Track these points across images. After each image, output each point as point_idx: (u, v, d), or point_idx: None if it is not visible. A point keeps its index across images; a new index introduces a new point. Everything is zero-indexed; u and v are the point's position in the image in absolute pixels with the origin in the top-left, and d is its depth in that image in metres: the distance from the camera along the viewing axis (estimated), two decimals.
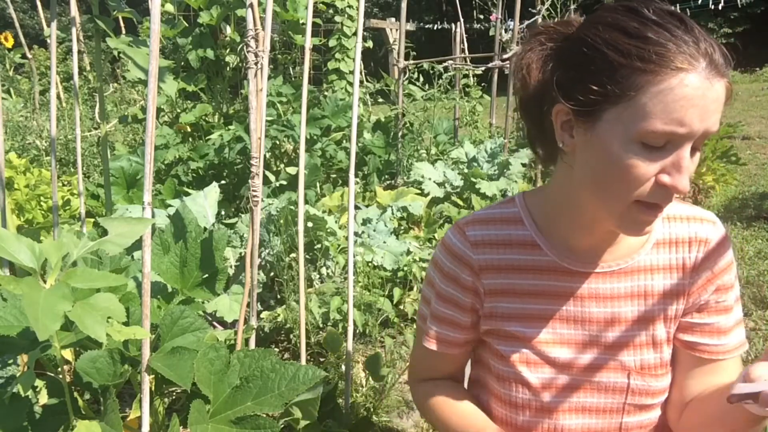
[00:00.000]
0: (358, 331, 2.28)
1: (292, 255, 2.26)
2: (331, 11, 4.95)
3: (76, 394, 1.28)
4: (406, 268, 2.55)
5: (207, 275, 1.59)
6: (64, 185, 3.39)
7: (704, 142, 0.74)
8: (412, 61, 4.31)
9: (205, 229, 2.21)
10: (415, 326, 2.36)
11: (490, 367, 0.98)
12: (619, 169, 0.73)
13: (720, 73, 0.70)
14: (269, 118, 3.33)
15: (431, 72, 4.35)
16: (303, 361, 1.70)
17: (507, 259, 0.92)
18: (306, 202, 2.34)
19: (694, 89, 0.68)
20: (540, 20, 3.85)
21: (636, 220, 0.76)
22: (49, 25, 1.71)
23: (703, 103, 0.68)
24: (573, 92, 0.76)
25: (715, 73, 0.69)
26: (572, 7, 3.93)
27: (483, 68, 4.65)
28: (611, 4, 0.77)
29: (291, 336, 2.27)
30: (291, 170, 3.15)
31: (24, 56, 6.17)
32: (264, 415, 1.18)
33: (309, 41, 1.68)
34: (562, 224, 0.89)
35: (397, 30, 5.89)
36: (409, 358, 1.11)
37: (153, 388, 1.37)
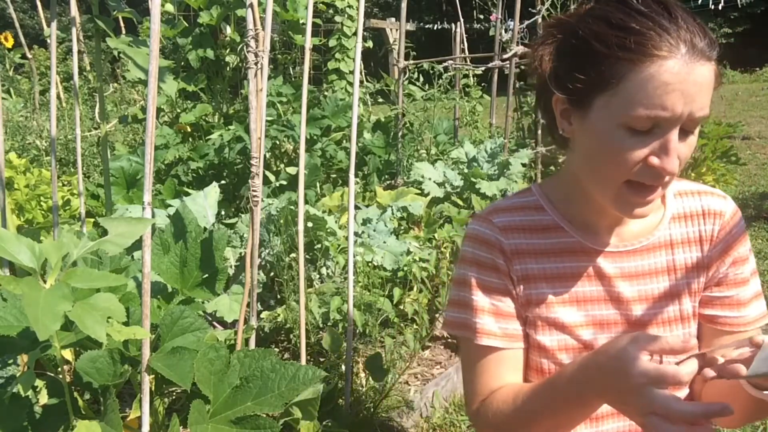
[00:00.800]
0: (358, 331, 2.28)
1: (292, 255, 2.26)
2: (331, 11, 4.95)
3: (76, 394, 1.28)
4: (406, 268, 2.54)
5: (207, 275, 1.59)
6: (64, 185, 3.39)
7: (698, 126, 0.76)
8: (412, 61, 4.31)
9: (205, 229, 2.21)
10: (415, 326, 2.37)
11: (529, 361, 0.95)
12: (610, 153, 0.77)
13: (702, 56, 0.73)
14: (269, 118, 3.33)
15: (431, 72, 4.34)
16: (303, 361, 1.70)
17: (535, 244, 0.93)
18: (306, 202, 2.34)
19: (674, 75, 0.71)
20: (540, 20, 3.85)
21: (629, 201, 0.80)
22: (49, 25, 1.71)
23: (684, 87, 0.72)
24: (566, 82, 0.81)
25: (696, 57, 0.72)
26: (572, 7, 3.93)
27: (483, 68, 4.64)
28: None
29: (291, 336, 2.27)
30: (291, 170, 3.15)
31: (24, 56, 6.17)
32: (264, 415, 1.18)
33: (309, 41, 1.68)
34: (579, 207, 0.92)
35: (397, 30, 5.90)
36: (464, 390, 1.00)
37: (153, 388, 1.37)
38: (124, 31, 5.38)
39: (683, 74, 0.71)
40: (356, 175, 3.66)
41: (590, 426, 0.94)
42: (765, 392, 0.75)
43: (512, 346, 0.93)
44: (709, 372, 0.76)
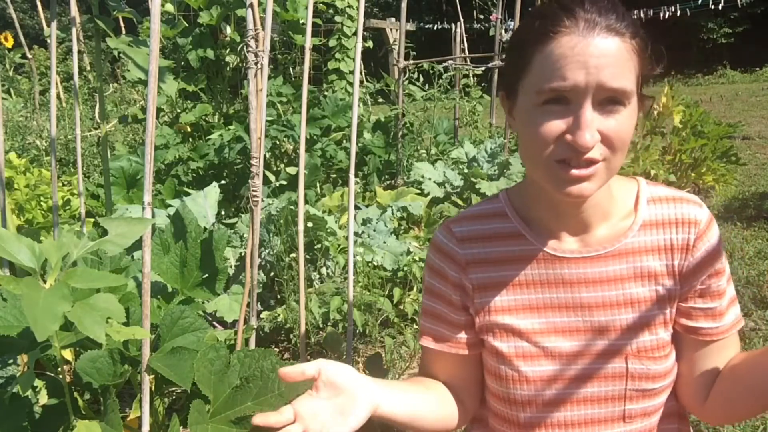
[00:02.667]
0: (358, 331, 2.28)
1: (292, 255, 2.26)
2: (331, 11, 4.95)
3: (76, 394, 1.28)
4: (406, 268, 2.55)
5: (207, 275, 1.59)
6: (64, 185, 3.39)
7: (623, 98, 0.78)
8: (412, 61, 4.31)
9: (205, 229, 2.21)
10: (415, 327, 2.37)
11: (489, 367, 0.97)
12: (532, 133, 0.80)
13: (603, 30, 0.76)
14: (269, 118, 3.33)
15: (431, 72, 4.35)
16: (303, 361, 1.69)
17: (495, 252, 0.94)
18: (306, 202, 2.34)
19: (570, 48, 0.75)
20: None
21: (560, 178, 0.80)
22: (49, 25, 1.71)
23: (583, 59, 0.75)
24: (504, 78, 0.89)
25: (596, 30, 0.75)
26: None
27: (483, 68, 4.65)
28: None
29: (291, 336, 2.27)
30: (291, 170, 3.15)
31: (24, 56, 6.18)
32: None
33: (309, 41, 1.68)
34: (539, 211, 0.93)
35: (397, 30, 5.89)
36: None
37: (153, 388, 1.37)
38: (124, 31, 5.38)
39: (580, 47, 0.75)
40: (356, 175, 3.66)
41: None
42: None
43: (446, 350, 0.97)
44: None
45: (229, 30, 3.45)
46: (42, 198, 2.87)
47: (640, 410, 0.92)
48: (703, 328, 0.91)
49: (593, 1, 0.78)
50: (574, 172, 0.78)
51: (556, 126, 0.78)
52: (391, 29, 8.50)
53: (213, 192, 2.60)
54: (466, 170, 3.57)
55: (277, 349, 2.29)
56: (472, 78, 4.82)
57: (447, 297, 0.97)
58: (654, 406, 0.92)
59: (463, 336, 0.97)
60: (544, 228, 0.92)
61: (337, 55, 5.01)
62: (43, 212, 2.84)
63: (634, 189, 0.94)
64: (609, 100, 0.77)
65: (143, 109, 3.86)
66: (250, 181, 1.43)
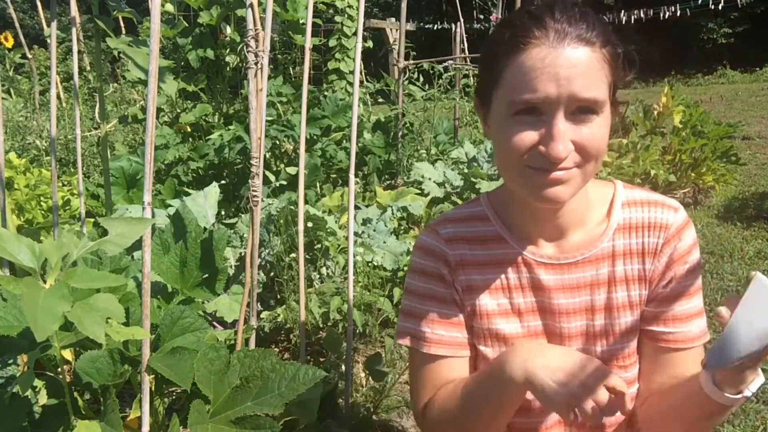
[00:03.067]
0: (358, 331, 2.28)
1: (292, 255, 2.26)
2: (331, 11, 4.94)
3: (76, 394, 1.28)
4: (406, 268, 2.54)
5: (207, 275, 1.59)
6: (64, 185, 3.39)
7: (596, 108, 0.77)
8: (412, 61, 4.31)
9: (205, 229, 2.21)
10: None
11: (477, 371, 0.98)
12: (505, 144, 0.80)
13: (574, 40, 0.75)
14: (269, 118, 3.33)
15: (431, 72, 4.34)
16: (303, 361, 1.70)
17: (479, 255, 0.94)
18: (306, 202, 2.34)
19: (539, 60, 0.75)
20: None
21: (536, 183, 0.80)
22: (49, 25, 1.71)
23: (553, 70, 0.75)
24: (478, 86, 0.89)
25: (566, 41, 0.75)
26: None
27: None
28: None
29: (291, 336, 2.27)
30: (291, 170, 3.15)
31: (24, 56, 6.18)
32: (264, 415, 1.18)
33: (309, 41, 1.68)
34: (518, 216, 0.93)
35: (397, 30, 5.89)
36: (410, 396, 1.03)
37: (153, 388, 1.37)
38: (124, 31, 5.38)
39: (551, 58, 0.75)
40: (356, 175, 3.65)
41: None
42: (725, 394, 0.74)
43: (459, 354, 0.95)
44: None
45: (229, 30, 3.45)
46: (42, 198, 2.87)
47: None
48: (663, 332, 0.90)
49: (563, 10, 0.77)
50: (550, 175, 0.79)
51: (529, 137, 0.78)
52: (391, 29, 8.50)
53: (213, 192, 2.60)
54: (466, 170, 3.56)
55: (277, 349, 2.29)
56: (472, 78, 4.81)
57: (449, 298, 0.95)
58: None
59: (466, 337, 0.96)
60: (523, 233, 0.93)
61: (337, 55, 5.01)
62: (43, 212, 2.84)
63: (610, 193, 0.94)
64: (581, 109, 0.77)
65: (143, 109, 3.86)
66: (250, 181, 1.43)
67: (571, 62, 0.75)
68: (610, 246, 0.91)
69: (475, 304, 0.94)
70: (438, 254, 0.95)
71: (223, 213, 2.92)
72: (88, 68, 5.92)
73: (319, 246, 2.41)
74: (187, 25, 3.41)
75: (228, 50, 3.45)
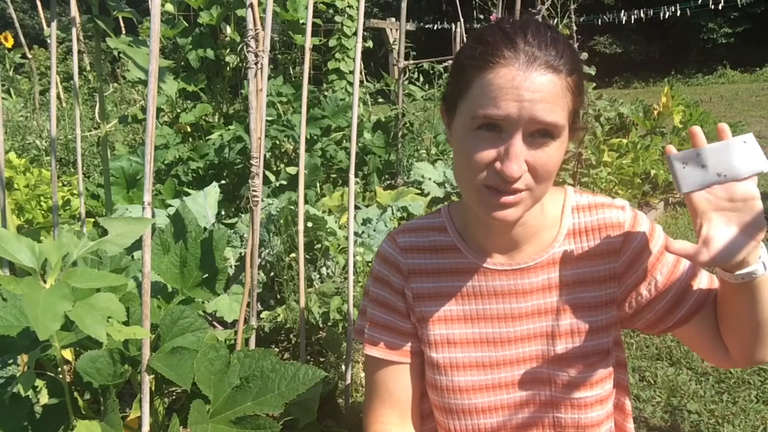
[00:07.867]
0: None
1: (292, 255, 2.26)
2: (331, 11, 4.94)
3: (76, 394, 1.28)
4: None
5: (207, 275, 1.59)
6: (64, 185, 3.39)
7: (555, 133, 0.80)
8: (412, 61, 4.31)
9: (205, 229, 2.21)
10: None
11: (427, 379, 1.01)
12: (465, 156, 0.82)
13: (542, 66, 0.78)
14: (269, 118, 3.33)
15: (431, 72, 4.35)
16: (303, 361, 1.70)
17: (433, 264, 0.99)
18: (306, 202, 2.34)
19: (508, 80, 0.77)
20: (540, 20, 3.85)
21: (488, 203, 0.83)
22: (49, 25, 1.71)
23: (519, 92, 0.77)
24: (445, 93, 0.91)
25: (534, 66, 0.77)
26: (572, 7, 3.93)
27: None
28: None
29: (291, 336, 2.27)
30: (291, 170, 3.15)
31: (24, 56, 6.18)
32: (264, 415, 1.18)
33: (309, 41, 1.68)
34: (474, 227, 0.96)
35: (397, 30, 5.88)
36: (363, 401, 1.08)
37: (153, 388, 1.37)
38: (124, 31, 5.38)
39: (518, 80, 0.77)
40: (356, 175, 3.65)
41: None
42: (741, 272, 0.79)
43: (395, 359, 1.00)
44: None
45: (229, 30, 3.45)
46: (42, 198, 2.87)
47: (572, 422, 0.94)
48: (691, 305, 0.92)
49: (536, 34, 0.80)
50: (502, 198, 0.81)
51: (487, 153, 0.80)
52: (391, 29, 8.50)
53: (213, 192, 2.60)
54: None
55: (277, 349, 2.29)
56: None
57: (393, 305, 1.01)
58: (588, 420, 0.94)
59: (408, 345, 1.01)
60: (477, 242, 0.97)
61: (337, 55, 5.01)
62: (43, 212, 2.84)
63: (560, 199, 0.97)
64: (539, 132, 0.79)
65: (143, 109, 3.86)
66: (250, 181, 1.43)
67: (536, 87, 0.77)
68: (562, 251, 0.94)
69: (426, 311, 0.98)
70: (392, 262, 1.01)
71: (223, 213, 2.92)
72: (88, 68, 5.92)
73: (319, 246, 2.41)
74: (187, 25, 3.41)
75: (228, 50, 3.45)
